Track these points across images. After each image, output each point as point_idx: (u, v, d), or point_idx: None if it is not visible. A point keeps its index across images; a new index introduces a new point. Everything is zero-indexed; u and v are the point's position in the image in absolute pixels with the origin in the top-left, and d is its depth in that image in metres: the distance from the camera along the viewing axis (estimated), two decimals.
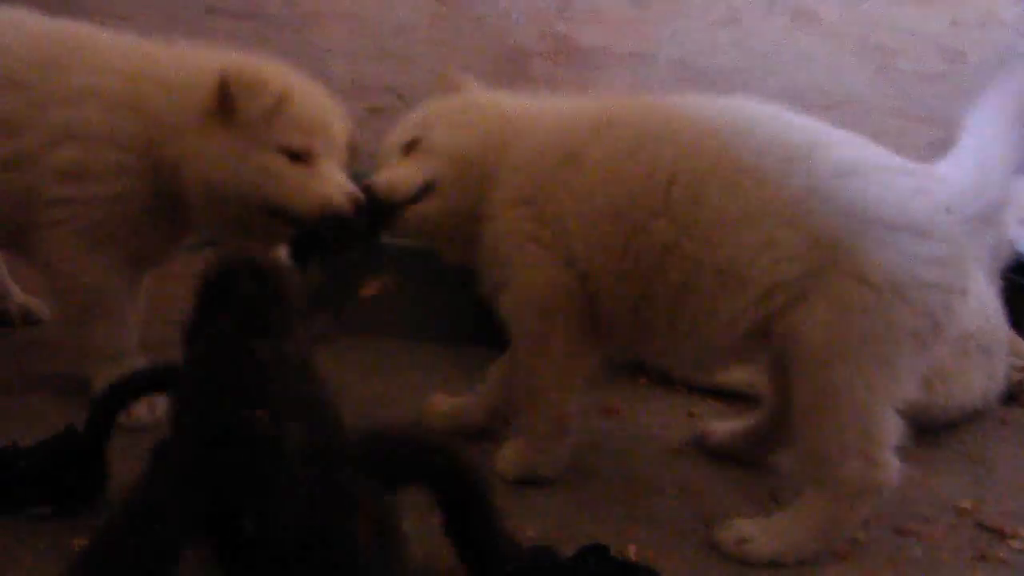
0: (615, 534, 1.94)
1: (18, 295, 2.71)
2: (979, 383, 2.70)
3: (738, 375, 2.72)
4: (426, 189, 2.11)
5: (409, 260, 2.70)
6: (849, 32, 3.85)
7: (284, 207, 2.04)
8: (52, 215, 2.09)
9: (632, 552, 1.88)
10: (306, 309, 1.66)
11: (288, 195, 2.03)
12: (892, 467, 1.92)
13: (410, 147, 2.16)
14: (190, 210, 2.10)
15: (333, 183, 2.06)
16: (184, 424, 1.50)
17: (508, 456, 2.15)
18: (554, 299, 2.02)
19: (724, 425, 2.40)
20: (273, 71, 2.07)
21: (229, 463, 1.41)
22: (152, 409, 2.14)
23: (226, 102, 2.00)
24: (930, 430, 2.58)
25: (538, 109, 2.18)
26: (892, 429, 1.91)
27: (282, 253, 2.11)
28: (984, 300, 2.74)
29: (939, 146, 4.03)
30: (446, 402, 2.35)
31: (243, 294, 1.55)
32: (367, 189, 2.08)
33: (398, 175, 2.11)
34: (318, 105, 2.11)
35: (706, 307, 1.93)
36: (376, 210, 2.08)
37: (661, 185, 1.95)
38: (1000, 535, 2.15)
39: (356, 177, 2.13)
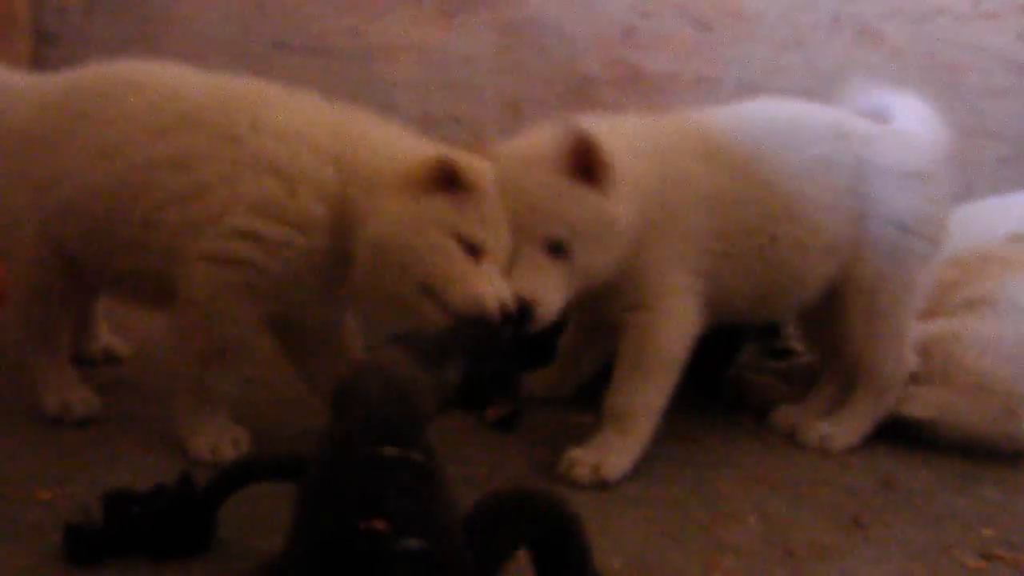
0: (700, 563, 1.93)
1: (104, 335, 2.77)
2: None
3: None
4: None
5: None
6: (914, 50, 3.83)
7: (440, 290, 2.04)
8: (228, 249, 2.08)
9: None
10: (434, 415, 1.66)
11: (448, 279, 2.03)
12: (911, 362, 2.55)
13: (556, 249, 2.17)
14: (354, 273, 2.10)
15: (491, 284, 2.06)
16: (303, 529, 1.47)
17: None
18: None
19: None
20: (477, 164, 2.10)
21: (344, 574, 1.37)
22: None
23: (440, 175, 2.04)
24: (1015, 455, 2.55)
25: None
26: (911, 333, 2.54)
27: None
28: None
29: (1008, 162, 4.01)
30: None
31: (371, 398, 1.56)
32: (522, 306, 2.11)
33: (552, 299, 2.16)
34: (499, 207, 2.12)
35: (803, 274, 2.45)
36: (523, 327, 2.12)
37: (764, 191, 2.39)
38: None
39: None
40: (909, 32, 3.85)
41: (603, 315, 2.37)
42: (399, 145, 2.15)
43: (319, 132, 2.13)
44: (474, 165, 2.07)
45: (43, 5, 3.58)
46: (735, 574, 1.92)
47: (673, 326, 2.31)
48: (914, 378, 2.62)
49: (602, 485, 2.21)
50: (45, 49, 3.59)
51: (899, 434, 2.60)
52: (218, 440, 2.19)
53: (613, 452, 2.25)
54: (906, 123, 2.53)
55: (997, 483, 2.44)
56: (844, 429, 2.53)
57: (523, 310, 2.10)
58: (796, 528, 2.13)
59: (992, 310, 2.73)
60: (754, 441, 2.61)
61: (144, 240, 2.13)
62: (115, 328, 2.85)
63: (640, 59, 3.69)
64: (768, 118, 2.48)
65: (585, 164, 2.13)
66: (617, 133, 2.25)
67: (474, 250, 2.06)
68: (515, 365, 2.05)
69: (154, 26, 3.61)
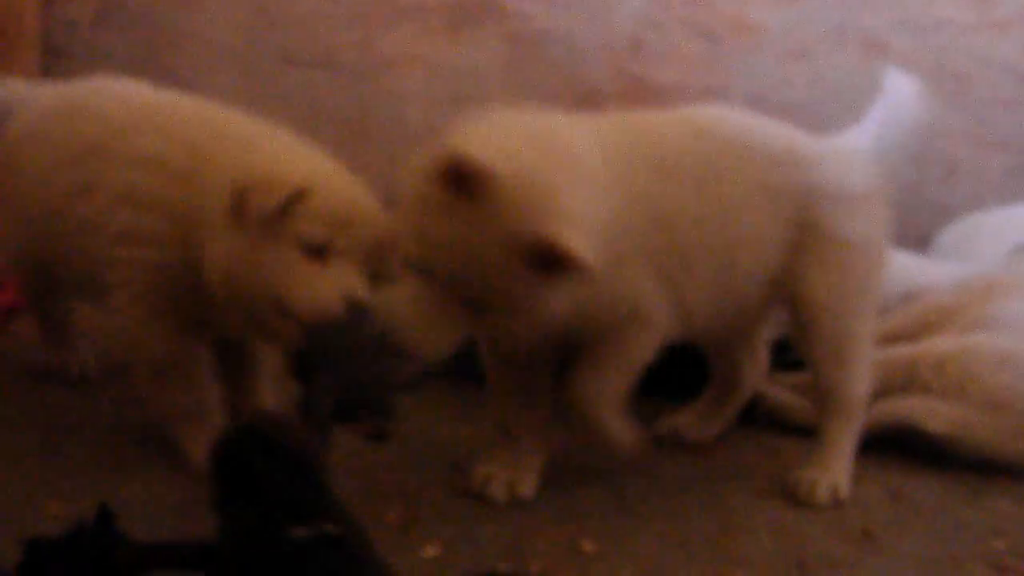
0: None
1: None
2: None
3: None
4: None
5: None
6: (921, 61, 3.83)
7: (287, 304, 1.94)
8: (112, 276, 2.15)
9: None
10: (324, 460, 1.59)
11: (290, 291, 1.94)
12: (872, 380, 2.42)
13: None
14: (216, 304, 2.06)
15: (337, 284, 1.94)
16: None
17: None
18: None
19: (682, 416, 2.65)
20: (297, 168, 2.00)
21: None
22: None
23: (238, 204, 1.94)
24: None
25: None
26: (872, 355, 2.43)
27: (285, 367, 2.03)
28: None
29: (1015, 172, 4.01)
30: None
31: (263, 477, 1.47)
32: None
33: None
34: (345, 200, 2.00)
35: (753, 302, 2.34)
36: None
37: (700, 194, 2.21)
38: None
39: None
40: (915, 43, 3.85)
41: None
42: (260, 165, 2.02)
43: (177, 153, 2.10)
44: (277, 172, 1.97)
45: (52, 18, 3.60)
46: None
47: (648, 334, 2.19)
48: (927, 392, 2.62)
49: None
50: (54, 62, 3.60)
51: (909, 446, 2.59)
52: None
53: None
54: (892, 99, 2.46)
55: (1008, 495, 2.43)
56: (828, 471, 2.35)
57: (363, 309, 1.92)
58: (807, 540, 2.13)
59: (1008, 328, 2.72)
60: (763, 453, 2.60)
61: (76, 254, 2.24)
62: None
63: (647, 71, 3.70)
64: (719, 131, 2.29)
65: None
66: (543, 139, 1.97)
67: (320, 252, 1.95)
68: (381, 372, 1.91)
69: (163, 39, 3.62)
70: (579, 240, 1.81)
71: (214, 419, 2.19)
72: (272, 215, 1.92)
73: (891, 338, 2.86)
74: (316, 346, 1.88)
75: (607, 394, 2.19)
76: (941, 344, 2.71)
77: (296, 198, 1.93)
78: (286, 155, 2.06)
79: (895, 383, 2.67)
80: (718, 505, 2.28)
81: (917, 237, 3.52)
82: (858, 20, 3.82)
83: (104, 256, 2.15)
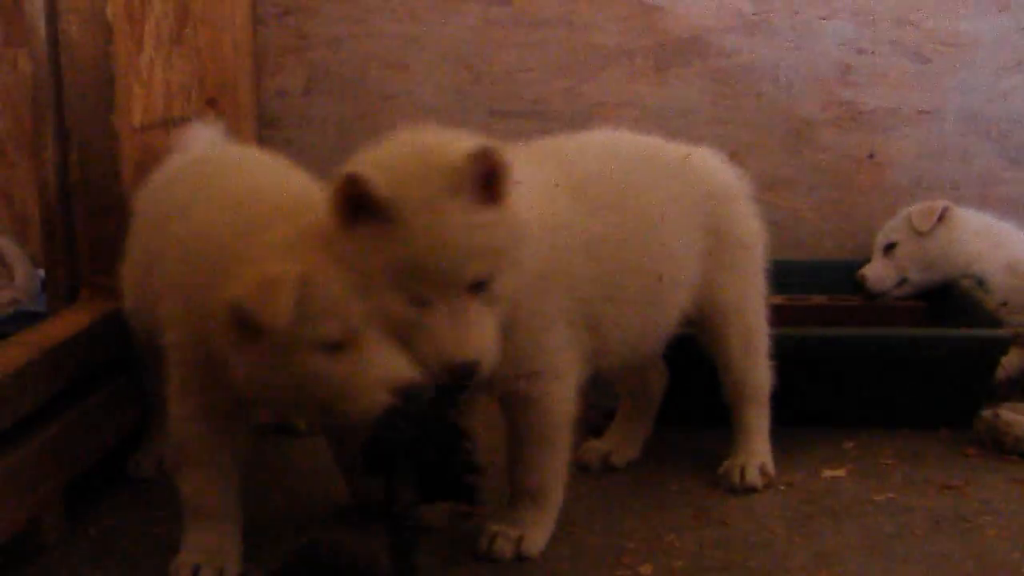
0: None
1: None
2: None
3: None
4: None
5: None
6: None
7: (338, 412, 1.85)
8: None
9: None
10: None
11: (333, 398, 1.84)
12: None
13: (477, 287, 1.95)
14: None
15: (376, 375, 1.81)
16: None
17: None
18: None
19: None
20: (284, 260, 1.81)
21: None
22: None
23: (246, 327, 1.80)
24: None
25: None
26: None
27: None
28: None
29: None
30: None
31: None
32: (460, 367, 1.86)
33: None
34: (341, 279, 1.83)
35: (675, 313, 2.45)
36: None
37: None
38: None
39: None
40: None
41: (486, 386, 2.10)
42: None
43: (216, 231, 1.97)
44: (271, 278, 1.78)
45: (264, 90, 3.73)
46: None
47: (564, 388, 2.19)
48: None
49: (522, 559, 2.19)
50: (268, 131, 3.74)
51: None
52: (202, 562, 2.05)
53: (533, 527, 2.22)
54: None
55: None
56: (759, 456, 2.59)
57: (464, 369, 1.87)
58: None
59: None
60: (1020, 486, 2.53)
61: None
62: None
63: (858, 96, 3.66)
64: (622, 151, 2.43)
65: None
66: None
67: (342, 346, 1.83)
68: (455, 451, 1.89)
69: (372, 103, 3.73)
70: None
71: (224, 528, 2.11)
72: (286, 330, 1.78)
73: None
74: (382, 438, 1.83)
75: (555, 475, 2.25)
76: None
77: (303, 299, 1.78)
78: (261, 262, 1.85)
79: None
80: (978, 544, 2.26)
81: None
82: None
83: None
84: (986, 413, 2.82)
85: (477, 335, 1.86)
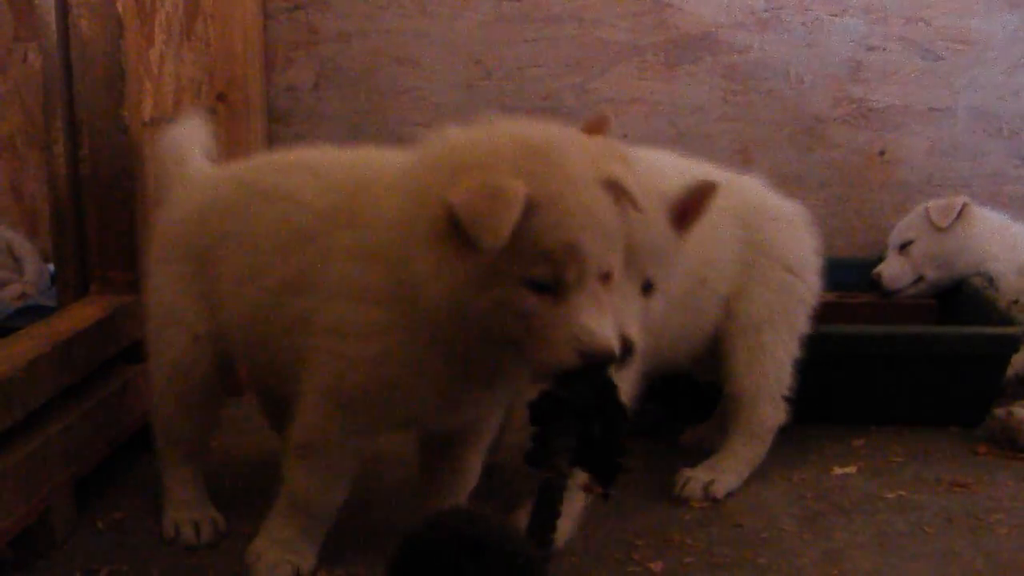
0: None
1: None
2: None
3: None
4: None
5: None
6: None
7: (528, 356, 1.76)
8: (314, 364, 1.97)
9: None
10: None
11: (529, 341, 1.73)
12: (787, 411, 2.56)
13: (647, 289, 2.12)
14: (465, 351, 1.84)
15: (574, 331, 1.71)
16: None
17: None
18: None
19: None
20: (516, 171, 1.70)
21: None
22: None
23: (459, 234, 1.70)
24: None
25: None
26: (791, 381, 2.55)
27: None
28: None
29: None
30: None
31: None
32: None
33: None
34: (577, 211, 1.72)
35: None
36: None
37: None
38: None
39: None
40: None
41: None
42: (423, 192, 1.81)
43: (367, 236, 1.90)
44: (497, 190, 1.68)
45: (274, 86, 3.74)
46: None
47: None
48: None
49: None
50: (277, 127, 3.74)
51: None
52: (279, 560, 2.07)
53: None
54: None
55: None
56: (728, 474, 2.53)
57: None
58: None
59: None
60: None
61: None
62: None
63: (869, 94, 3.67)
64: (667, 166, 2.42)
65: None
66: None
67: (550, 288, 1.71)
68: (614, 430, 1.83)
69: (382, 99, 3.73)
70: None
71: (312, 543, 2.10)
72: (498, 243, 1.66)
73: None
74: (557, 396, 1.78)
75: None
76: None
77: (524, 220, 1.67)
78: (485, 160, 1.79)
79: None
80: (985, 541, 2.26)
81: None
82: None
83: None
84: (999, 411, 2.82)
85: (629, 315, 1.98)
